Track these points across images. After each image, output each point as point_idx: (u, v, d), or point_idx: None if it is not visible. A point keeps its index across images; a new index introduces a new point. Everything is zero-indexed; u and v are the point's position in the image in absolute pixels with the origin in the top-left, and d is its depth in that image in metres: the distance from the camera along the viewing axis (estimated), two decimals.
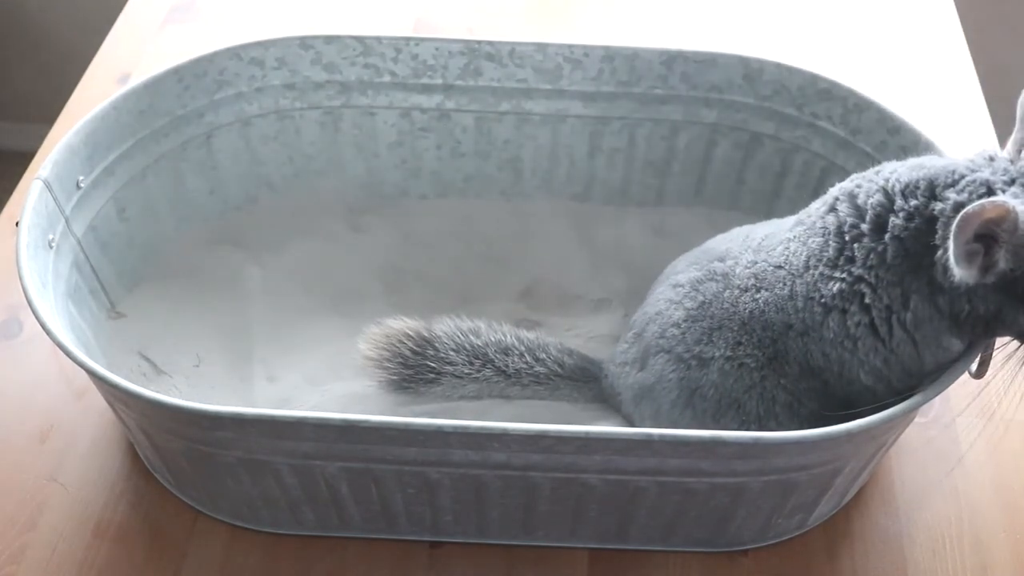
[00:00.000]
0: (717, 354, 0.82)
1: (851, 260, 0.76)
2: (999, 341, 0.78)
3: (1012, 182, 0.72)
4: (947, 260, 0.71)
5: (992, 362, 0.79)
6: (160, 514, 0.84)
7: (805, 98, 1.00)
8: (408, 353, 0.90)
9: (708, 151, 1.06)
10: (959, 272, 0.70)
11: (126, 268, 0.99)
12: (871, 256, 0.75)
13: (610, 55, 1.02)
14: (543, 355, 0.92)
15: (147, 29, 1.30)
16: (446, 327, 0.92)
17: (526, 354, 0.91)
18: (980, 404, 0.93)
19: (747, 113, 1.03)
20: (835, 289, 0.76)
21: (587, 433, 0.70)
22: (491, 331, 0.92)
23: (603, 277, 1.05)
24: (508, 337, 0.92)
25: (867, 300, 0.76)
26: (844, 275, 0.76)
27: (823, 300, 0.77)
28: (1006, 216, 0.68)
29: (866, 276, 0.75)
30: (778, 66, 1.00)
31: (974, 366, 0.79)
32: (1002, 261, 0.71)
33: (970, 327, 0.75)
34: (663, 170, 1.08)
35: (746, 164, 1.06)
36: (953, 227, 0.69)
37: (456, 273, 1.05)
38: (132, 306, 0.98)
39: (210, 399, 0.91)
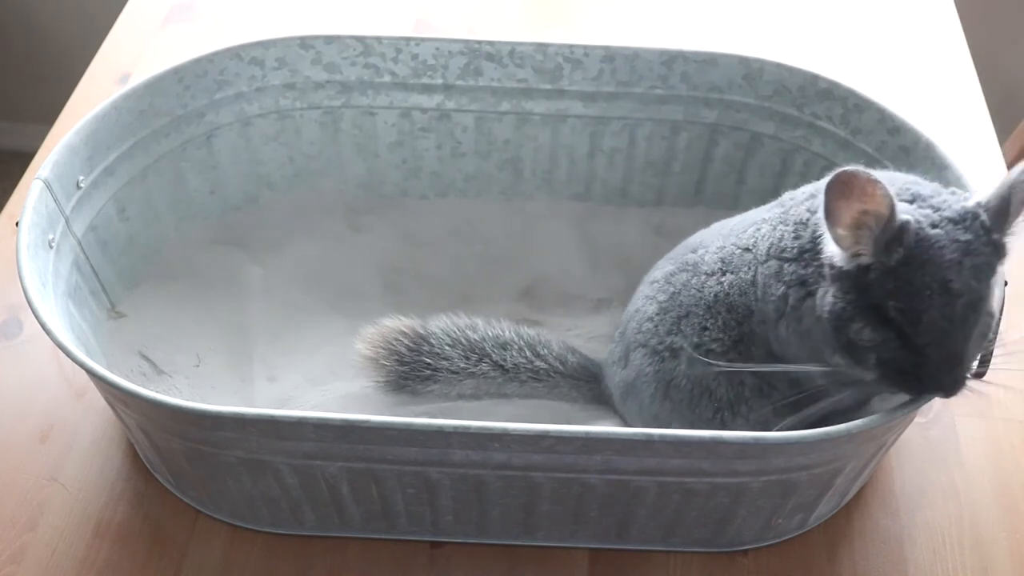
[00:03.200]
0: (685, 343, 0.83)
1: (802, 255, 0.76)
2: (999, 341, 0.78)
3: (935, 210, 0.72)
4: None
5: (992, 362, 0.79)
6: (160, 514, 0.84)
7: (805, 98, 1.00)
8: (404, 350, 0.90)
9: (708, 151, 1.06)
10: (827, 236, 0.71)
11: (126, 268, 0.99)
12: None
13: (610, 55, 1.02)
14: (544, 351, 0.92)
15: (147, 29, 1.30)
16: (442, 324, 0.92)
17: (525, 349, 0.92)
18: (980, 404, 0.93)
19: (747, 113, 1.03)
20: (787, 279, 0.77)
21: (588, 433, 0.70)
22: (488, 326, 0.93)
23: (603, 277, 1.05)
24: (507, 332, 0.92)
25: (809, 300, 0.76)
26: (796, 269, 0.77)
27: (775, 296, 0.77)
28: (875, 189, 0.68)
29: (810, 277, 0.76)
30: (778, 66, 1.00)
31: (974, 366, 0.79)
32: (864, 250, 0.70)
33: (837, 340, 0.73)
34: (663, 170, 1.08)
35: (746, 164, 1.06)
36: (825, 183, 0.69)
37: (456, 273, 1.05)
38: (132, 306, 0.98)
39: (210, 399, 0.91)
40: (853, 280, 0.71)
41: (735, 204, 1.08)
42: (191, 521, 0.84)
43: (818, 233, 0.74)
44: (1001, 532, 0.84)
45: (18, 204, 0.93)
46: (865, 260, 0.71)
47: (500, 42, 1.02)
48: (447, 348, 0.91)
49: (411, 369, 0.91)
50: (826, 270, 0.73)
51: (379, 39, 1.02)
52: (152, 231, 1.01)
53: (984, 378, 0.80)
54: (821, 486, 0.79)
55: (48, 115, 1.23)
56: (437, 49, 1.03)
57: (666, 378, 0.84)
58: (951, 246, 0.69)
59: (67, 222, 0.89)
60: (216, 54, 1.00)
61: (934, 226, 0.71)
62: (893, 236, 0.69)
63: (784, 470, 0.75)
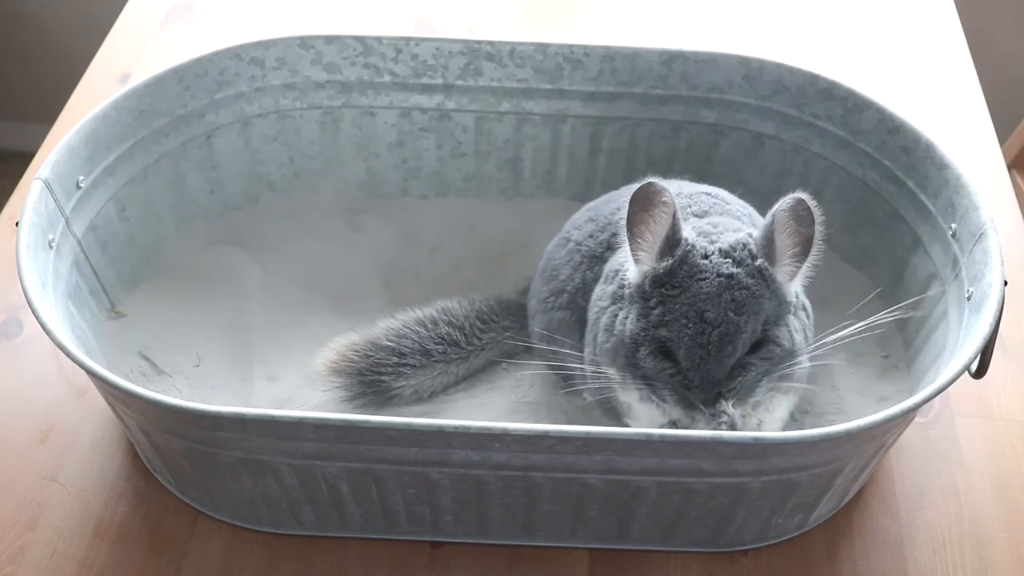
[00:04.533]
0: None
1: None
2: (998, 341, 0.78)
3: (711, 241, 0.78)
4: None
5: (992, 362, 0.79)
6: (160, 514, 0.84)
7: (805, 98, 1.00)
8: (359, 355, 0.91)
9: (709, 151, 1.06)
10: (627, 251, 0.77)
11: (126, 268, 0.99)
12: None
13: (610, 55, 1.02)
14: (483, 305, 0.96)
15: (147, 29, 1.30)
16: (385, 323, 0.94)
17: (472, 315, 0.95)
18: (980, 404, 0.93)
19: (747, 113, 1.03)
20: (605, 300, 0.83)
21: (588, 433, 0.70)
22: (424, 310, 0.95)
23: None
24: (444, 307, 0.95)
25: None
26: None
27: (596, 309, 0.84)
28: (659, 194, 0.75)
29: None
30: (778, 66, 1.00)
31: (974, 366, 0.79)
32: (649, 260, 0.77)
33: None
34: (664, 170, 1.08)
35: (746, 164, 1.06)
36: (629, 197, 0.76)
37: (456, 273, 1.05)
38: (132, 306, 0.98)
39: (210, 399, 0.91)
40: (639, 299, 0.78)
41: None
42: (191, 521, 0.84)
43: (619, 246, 0.82)
44: (1001, 532, 0.84)
45: (18, 204, 0.93)
46: (645, 268, 0.77)
47: (500, 42, 1.02)
48: (401, 340, 0.92)
49: (376, 364, 0.91)
50: (625, 293, 0.79)
51: (379, 39, 1.02)
52: (152, 231, 1.01)
53: (984, 378, 0.80)
54: (821, 486, 0.79)
55: (48, 115, 1.23)
56: (437, 49, 1.03)
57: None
58: (712, 279, 0.75)
59: (67, 222, 0.89)
60: (216, 54, 1.00)
61: (704, 256, 0.77)
62: (670, 244, 0.77)
63: (784, 470, 0.75)
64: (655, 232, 0.76)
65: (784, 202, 0.75)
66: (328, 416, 0.71)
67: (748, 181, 1.07)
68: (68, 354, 0.74)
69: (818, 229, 0.76)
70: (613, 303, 0.81)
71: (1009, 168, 1.39)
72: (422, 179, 1.10)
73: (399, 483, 0.77)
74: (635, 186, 0.76)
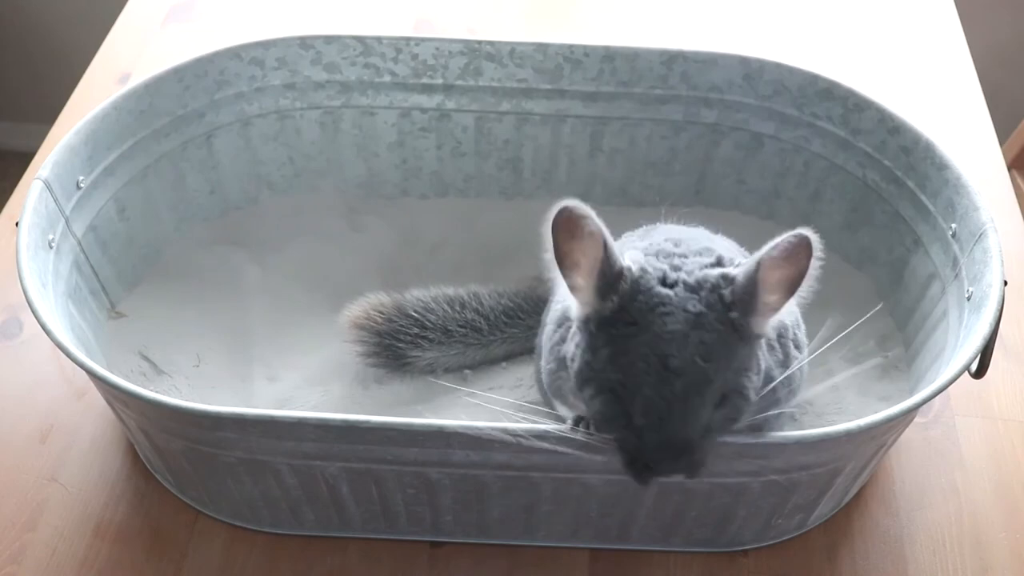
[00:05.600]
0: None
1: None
2: (998, 341, 0.78)
3: (673, 269, 0.65)
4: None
5: (992, 362, 0.79)
6: (160, 514, 0.84)
7: (805, 98, 1.00)
8: (385, 318, 0.92)
9: (708, 151, 1.06)
10: (559, 281, 0.65)
11: (126, 268, 0.99)
12: None
13: (610, 55, 1.02)
14: (507, 302, 0.95)
15: (147, 29, 1.30)
16: (417, 293, 0.95)
17: (496, 305, 0.94)
18: (980, 404, 0.93)
19: (747, 113, 1.03)
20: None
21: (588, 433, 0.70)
22: (451, 289, 0.95)
23: None
24: (473, 292, 0.95)
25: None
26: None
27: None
28: (587, 225, 0.61)
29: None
30: (778, 66, 1.00)
31: (974, 366, 0.79)
32: (587, 298, 0.64)
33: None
34: (663, 170, 1.08)
35: (746, 164, 1.06)
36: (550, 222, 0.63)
37: (456, 273, 1.05)
38: (132, 306, 0.98)
39: (210, 399, 0.91)
40: (585, 337, 0.65)
41: (735, 204, 1.08)
42: (191, 521, 0.84)
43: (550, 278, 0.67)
44: (1001, 532, 0.84)
45: (18, 204, 0.93)
46: (587, 309, 0.64)
47: (500, 42, 1.02)
48: (427, 314, 0.93)
49: (397, 330, 0.92)
50: (571, 327, 0.67)
51: (379, 39, 1.02)
52: (152, 231, 1.01)
53: (984, 378, 0.80)
54: (821, 486, 0.79)
55: (48, 115, 1.23)
56: (437, 49, 1.03)
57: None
58: (677, 314, 0.62)
59: (67, 222, 0.89)
60: (216, 54, 1.00)
61: (664, 284, 0.63)
62: (609, 282, 0.63)
63: (784, 470, 0.75)
64: (589, 261, 0.63)
65: (778, 244, 0.62)
66: (328, 416, 0.71)
67: (748, 181, 1.07)
68: (68, 354, 0.74)
69: (814, 263, 0.62)
70: (559, 326, 0.72)
71: (1009, 168, 1.39)
72: (422, 179, 1.10)
73: (399, 483, 0.77)
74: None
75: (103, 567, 0.81)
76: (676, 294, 0.63)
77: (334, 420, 0.71)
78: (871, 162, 0.98)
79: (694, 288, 0.63)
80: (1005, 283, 0.79)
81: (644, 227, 0.84)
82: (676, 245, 0.68)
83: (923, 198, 0.93)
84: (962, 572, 0.82)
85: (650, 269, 0.64)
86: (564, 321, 0.71)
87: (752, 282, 0.63)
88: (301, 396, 0.93)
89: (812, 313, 0.83)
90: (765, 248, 0.62)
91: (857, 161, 0.99)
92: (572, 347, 0.67)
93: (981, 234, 0.83)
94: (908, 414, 0.73)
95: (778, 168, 1.05)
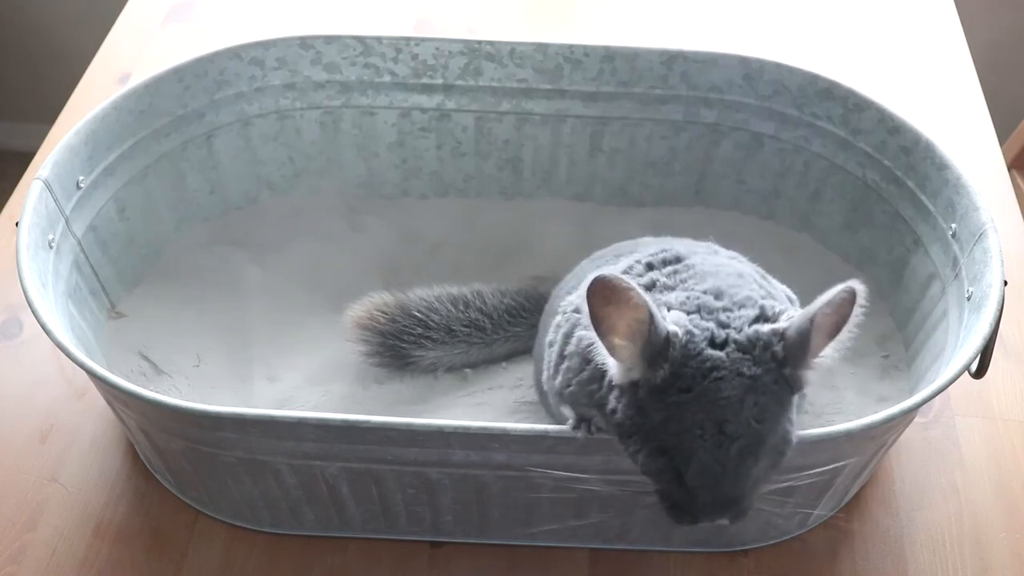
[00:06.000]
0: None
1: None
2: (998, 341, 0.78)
3: (697, 310, 0.65)
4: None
5: (992, 362, 0.79)
6: (160, 514, 0.84)
7: (805, 98, 1.00)
8: (389, 316, 0.92)
9: (708, 151, 1.06)
10: (599, 346, 0.64)
11: (126, 268, 0.99)
12: None
13: (610, 55, 1.02)
14: (510, 300, 0.95)
15: (147, 29, 1.30)
16: (420, 292, 0.95)
17: (499, 306, 0.95)
18: (980, 404, 0.93)
19: (747, 113, 1.03)
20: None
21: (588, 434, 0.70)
22: (454, 288, 0.96)
23: None
24: (466, 289, 0.95)
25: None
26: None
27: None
28: (630, 295, 0.60)
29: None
30: (778, 66, 1.00)
31: (974, 366, 0.79)
32: (634, 364, 0.63)
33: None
34: (663, 170, 1.08)
35: (746, 164, 1.06)
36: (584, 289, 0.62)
37: (456, 273, 1.05)
38: (132, 306, 0.98)
39: (210, 399, 0.91)
40: (630, 398, 0.64)
41: (735, 204, 1.08)
42: (191, 521, 0.84)
43: (588, 344, 0.66)
44: (1001, 532, 0.84)
45: (18, 204, 0.93)
46: (635, 375, 0.64)
47: (500, 42, 1.02)
48: (430, 313, 0.93)
49: (400, 330, 0.92)
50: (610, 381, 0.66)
51: (379, 39, 1.02)
52: (152, 231, 1.01)
53: (984, 378, 0.80)
54: (821, 486, 0.79)
55: (48, 115, 1.23)
56: (437, 49, 1.03)
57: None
58: (732, 379, 0.61)
59: (67, 222, 0.89)
60: (216, 54, 1.00)
61: (714, 344, 0.63)
62: (657, 350, 0.62)
63: (784, 470, 0.75)
64: (631, 330, 0.62)
65: (834, 298, 0.61)
66: (328, 416, 0.71)
67: (748, 181, 1.07)
68: (68, 354, 0.74)
69: (857, 310, 0.62)
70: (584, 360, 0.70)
71: (1009, 168, 1.39)
72: (422, 179, 1.10)
73: (399, 483, 0.77)
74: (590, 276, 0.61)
75: (103, 567, 0.81)
76: (728, 355, 0.62)
77: (334, 420, 0.71)
78: (871, 162, 0.98)
79: (746, 348, 0.63)
80: (1005, 283, 0.79)
81: (644, 239, 0.84)
82: (717, 298, 0.67)
83: (923, 198, 0.93)
84: (962, 572, 0.82)
85: (697, 331, 0.63)
86: (589, 362, 0.69)
87: (805, 337, 0.62)
88: (301, 396, 0.93)
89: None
90: (817, 304, 0.62)
91: (857, 161, 0.99)
92: (612, 401, 0.66)
93: (981, 234, 0.83)
94: (908, 414, 0.73)
95: (778, 168, 1.05)
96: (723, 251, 0.78)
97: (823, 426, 0.72)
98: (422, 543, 0.83)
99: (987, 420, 0.92)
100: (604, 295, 0.61)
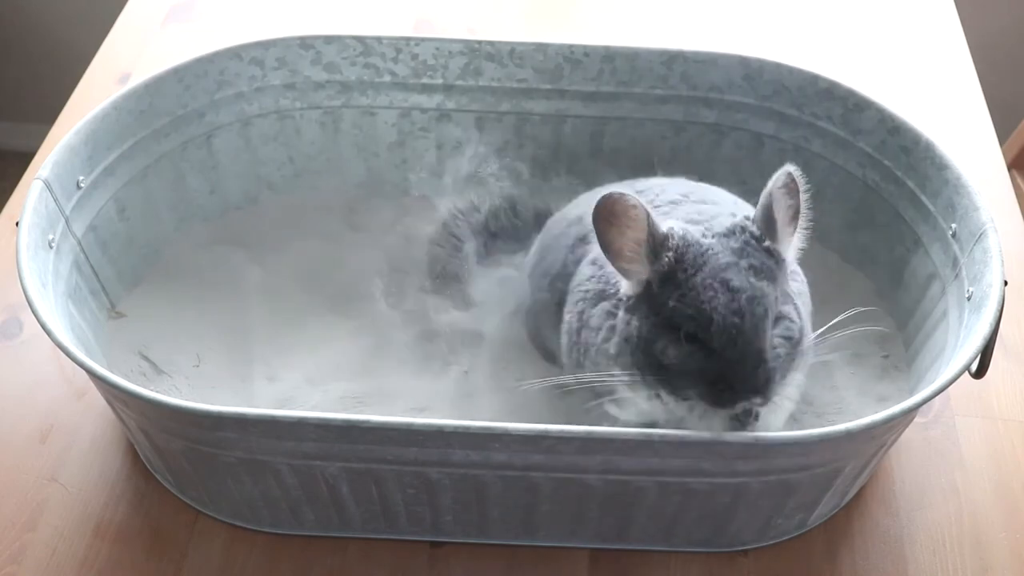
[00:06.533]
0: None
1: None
2: (998, 341, 0.78)
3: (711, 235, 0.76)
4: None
5: (992, 362, 0.79)
6: (160, 514, 0.84)
7: (805, 98, 1.00)
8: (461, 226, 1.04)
9: (709, 151, 1.06)
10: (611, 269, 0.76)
11: (126, 268, 0.99)
12: None
13: (610, 55, 1.02)
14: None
15: (147, 29, 1.30)
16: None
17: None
18: (980, 404, 0.93)
19: (747, 113, 1.03)
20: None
21: (588, 433, 0.70)
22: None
23: None
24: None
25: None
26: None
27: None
28: (622, 201, 0.72)
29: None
30: (778, 66, 1.00)
31: (974, 366, 0.79)
32: (642, 269, 0.74)
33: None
34: (663, 170, 1.08)
35: (746, 164, 1.06)
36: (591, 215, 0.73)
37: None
38: (132, 306, 0.98)
39: (210, 399, 0.91)
40: (645, 301, 0.74)
41: None
42: (191, 521, 0.84)
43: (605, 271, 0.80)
44: (1001, 532, 0.84)
45: (18, 204, 0.93)
46: (644, 276, 0.74)
47: (500, 42, 1.02)
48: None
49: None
50: (623, 302, 0.77)
51: (379, 39, 1.02)
52: (152, 231, 1.01)
53: (984, 378, 0.80)
54: (821, 486, 0.79)
55: (48, 115, 1.23)
56: (437, 49, 1.03)
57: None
58: (724, 252, 0.73)
59: (67, 222, 0.89)
60: (216, 54, 1.00)
61: (705, 237, 0.74)
62: (659, 244, 0.73)
63: (784, 470, 0.75)
64: (635, 240, 0.74)
65: (778, 179, 0.74)
66: (328, 416, 0.71)
67: (748, 181, 1.07)
68: (68, 354, 0.74)
69: (803, 197, 0.75)
70: (604, 308, 0.80)
71: (1009, 168, 1.39)
72: (422, 179, 1.10)
73: (399, 483, 0.77)
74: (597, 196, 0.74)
75: (103, 567, 0.81)
76: (718, 241, 0.74)
77: (334, 420, 0.71)
78: (871, 162, 0.98)
79: (728, 234, 0.75)
80: (1005, 283, 0.79)
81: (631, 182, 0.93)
82: (700, 214, 0.80)
83: (923, 198, 0.93)
84: (962, 572, 0.82)
85: (691, 230, 0.75)
86: (611, 315, 0.78)
87: (769, 211, 0.74)
88: (301, 396, 0.93)
89: (813, 313, 0.83)
90: (768, 186, 0.75)
91: (857, 161, 0.99)
92: (634, 322, 0.75)
93: (981, 234, 0.83)
94: (908, 414, 0.73)
95: (778, 168, 1.04)
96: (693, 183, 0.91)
97: (823, 426, 0.72)
98: (422, 543, 0.83)
99: (987, 420, 0.92)
100: (607, 216, 0.73)
